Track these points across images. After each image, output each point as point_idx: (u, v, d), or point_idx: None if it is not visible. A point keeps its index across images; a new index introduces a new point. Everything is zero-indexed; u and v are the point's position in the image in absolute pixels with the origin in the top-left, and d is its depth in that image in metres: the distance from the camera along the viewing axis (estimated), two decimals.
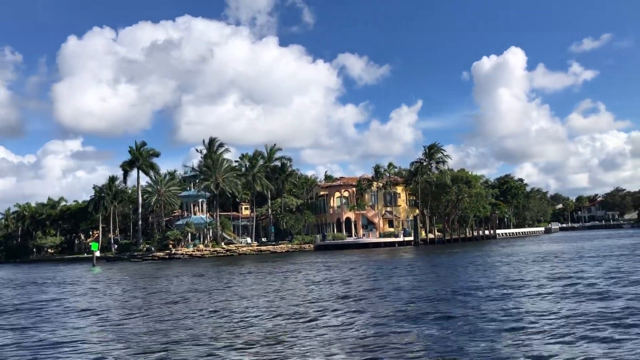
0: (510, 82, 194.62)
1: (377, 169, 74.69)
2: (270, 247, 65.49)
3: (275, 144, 76.71)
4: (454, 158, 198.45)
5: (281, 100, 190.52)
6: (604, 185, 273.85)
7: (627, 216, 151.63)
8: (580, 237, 77.69)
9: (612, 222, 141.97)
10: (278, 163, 75.37)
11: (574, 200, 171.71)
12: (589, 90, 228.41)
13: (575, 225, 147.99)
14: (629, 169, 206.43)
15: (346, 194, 77.82)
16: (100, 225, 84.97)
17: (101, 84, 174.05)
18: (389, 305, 16.00)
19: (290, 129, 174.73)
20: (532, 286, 18.55)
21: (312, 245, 67.12)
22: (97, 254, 63.08)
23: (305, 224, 74.76)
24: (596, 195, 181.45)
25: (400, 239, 67.93)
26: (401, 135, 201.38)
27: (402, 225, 78.38)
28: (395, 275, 25.32)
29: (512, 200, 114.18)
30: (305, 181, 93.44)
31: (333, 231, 73.84)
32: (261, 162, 74.29)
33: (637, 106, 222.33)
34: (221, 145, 72.87)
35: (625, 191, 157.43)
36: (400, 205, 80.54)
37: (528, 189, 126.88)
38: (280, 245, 66.33)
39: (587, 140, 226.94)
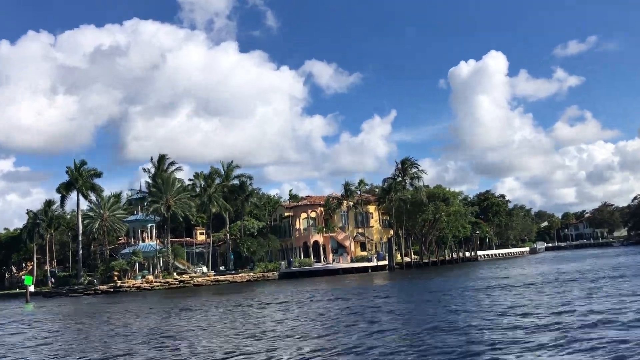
0: (490, 89, 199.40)
1: (347, 186, 75.08)
2: (229, 277, 64.75)
3: (232, 161, 76.46)
4: (431, 173, 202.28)
5: (241, 111, 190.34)
6: (593, 200, 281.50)
7: (616, 233, 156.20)
8: (569, 257, 79.43)
9: (601, 241, 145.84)
10: (237, 182, 74.99)
11: (560, 218, 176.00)
12: (575, 97, 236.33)
13: (562, 244, 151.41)
14: (617, 182, 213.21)
15: (313, 214, 77.81)
16: (35, 256, 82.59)
17: (37, 95, 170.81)
18: None
19: (251, 143, 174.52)
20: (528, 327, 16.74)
21: (276, 273, 66.68)
22: (32, 288, 61.06)
23: (269, 250, 74.32)
24: (583, 211, 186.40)
25: (374, 263, 68.17)
26: (373, 149, 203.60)
27: (376, 248, 78.68)
28: (364, 313, 22.54)
29: (493, 219, 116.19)
30: (268, 201, 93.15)
31: (300, 256, 73.57)
32: (218, 181, 73.76)
33: (624, 114, 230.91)
34: (172, 163, 72.20)
35: (613, 206, 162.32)
36: (373, 226, 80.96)
37: (511, 205, 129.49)
38: (240, 275, 65.65)
39: (574, 152, 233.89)
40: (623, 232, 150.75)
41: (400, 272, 63.73)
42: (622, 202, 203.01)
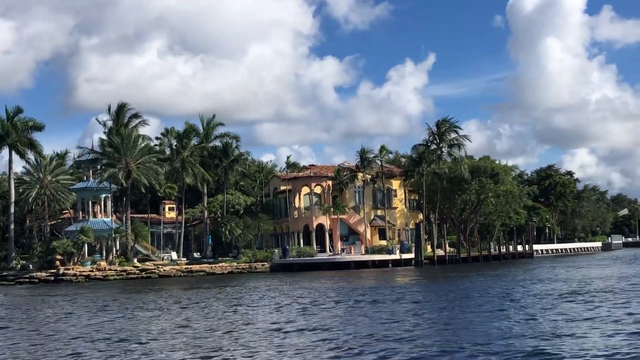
0: (563, 31, 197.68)
1: (363, 154, 75.11)
2: (205, 267, 65.28)
3: (214, 116, 76.43)
4: (477, 140, 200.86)
5: (229, 49, 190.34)
6: None
7: None
8: None
9: None
10: (219, 143, 75.15)
11: None
12: None
13: None
14: None
15: (318, 189, 78.05)
16: None
17: None
18: None
19: (240, 93, 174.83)
20: None
21: (267, 264, 67.24)
22: None
23: (259, 234, 74.66)
24: None
25: (396, 256, 68.53)
26: (403, 105, 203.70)
27: (399, 237, 78.99)
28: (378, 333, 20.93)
29: (556, 203, 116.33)
30: (259, 170, 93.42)
31: (299, 244, 74.04)
32: (195, 141, 73.93)
33: None
34: (136, 115, 72.30)
35: None
36: (396, 208, 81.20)
37: (580, 186, 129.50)
38: (220, 264, 66.22)
39: None
40: None
41: (431, 268, 64.18)
42: None
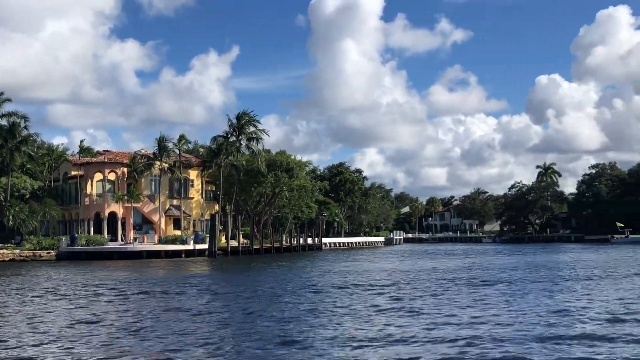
0: (359, 34, 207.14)
1: (162, 142, 74.42)
2: None
3: (2, 93, 71.97)
4: (276, 135, 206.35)
5: (24, 23, 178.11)
6: (465, 184, 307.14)
7: (487, 227, 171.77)
8: (429, 252, 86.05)
9: (469, 234, 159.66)
10: (5, 122, 70.97)
11: (424, 203, 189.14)
12: (459, 55, 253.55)
13: (424, 236, 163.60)
14: (496, 165, 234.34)
15: (113, 176, 76.27)
16: None
17: None
18: None
19: (32, 70, 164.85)
20: None
21: (53, 252, 64.63)
22: None
23: (45, 220, 71.60)
24: (452, 197, 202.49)
25: (190, 246, 68.63)
26: (205, 95, 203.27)
27: (194, 227, 79.19)
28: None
29: (345, 199, 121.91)
30: (49, 153, 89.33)
31: (89, 232, 72.01)
32: None
33: (513, 82, 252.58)
34: None
35: (487, 194, 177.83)
36: (193, 198, 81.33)
37: (367, 183, 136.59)
38: (1, 251, 62.65)
39: (449, 123, 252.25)
40: (495, 225, 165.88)
41: (224, 259, 64.97)
42: (500, 189, 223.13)
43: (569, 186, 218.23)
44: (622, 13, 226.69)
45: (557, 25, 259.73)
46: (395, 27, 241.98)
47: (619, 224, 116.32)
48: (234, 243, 74.85)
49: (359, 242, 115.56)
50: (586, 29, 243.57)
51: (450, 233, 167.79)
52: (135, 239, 72.31)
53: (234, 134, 79.20)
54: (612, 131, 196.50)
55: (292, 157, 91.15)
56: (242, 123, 79.19)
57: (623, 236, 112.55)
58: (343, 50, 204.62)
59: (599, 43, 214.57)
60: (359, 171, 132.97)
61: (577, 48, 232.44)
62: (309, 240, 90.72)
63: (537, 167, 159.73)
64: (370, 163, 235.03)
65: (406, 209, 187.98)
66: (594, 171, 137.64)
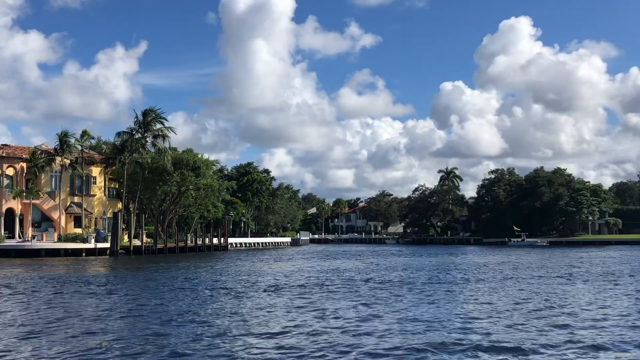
0: (270, 35, 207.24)
1: (63, 137, 72.61)
2: None
3: None
4: (183, 133, 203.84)
5: None
6: (372, 187, 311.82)
7: (391, 228, 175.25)
8: (334, 253, 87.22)
9: (373, 236, 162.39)
10: None
11: (331, 204, 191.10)
12: (368, 60, 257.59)
13: (330, 237, 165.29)
14: (401, 168, 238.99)
15: (11, 171, 73.76)
16: None
17: None
18: None
19: None
20: None
21: None
22: None
23: None
24: (358, 199, 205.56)
25: (91, 245, 67.34)
26: (111, 90, 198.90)
27: (96, 225, 77.64)
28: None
29: (253, 199, 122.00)
30: None
31: None
32: None
33: (420, 87, 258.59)
34: None
35: (392, 197, 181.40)
36: (95, 195, 79.65)
37: (275, 184, 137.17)
38: None
39: (357, 126, 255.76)
40: (399, 227, 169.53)
41: (126, 259, 63.99)
42: (404, 192, 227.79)
43: (469, 190, 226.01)
44: (524, 24, 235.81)
45: (462, 33, 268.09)
46: (306, 29, 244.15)
47: (516, 228, 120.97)
48: (137, 242, 73.85)
49: (266, 243, 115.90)
50: (489, 38, 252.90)
51: (356, 234, 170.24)
52: (33, 237, 70.17)
53: (140, 130, 78.06)
54: (511, 138, 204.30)
55: (200, 155, 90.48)
56: (149, 120, 78.15)
57: (519, 239, 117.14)
58: (254, 49, 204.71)
59: (501, 52, 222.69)
60: (267, 171, 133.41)
61: (480, 56, 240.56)
62: (215, 240, 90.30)
63: (440, 171, 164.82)
64: (279, 163, 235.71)
65: (313, 210, 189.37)
66: (493, 176, 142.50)
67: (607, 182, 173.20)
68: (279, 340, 17.82)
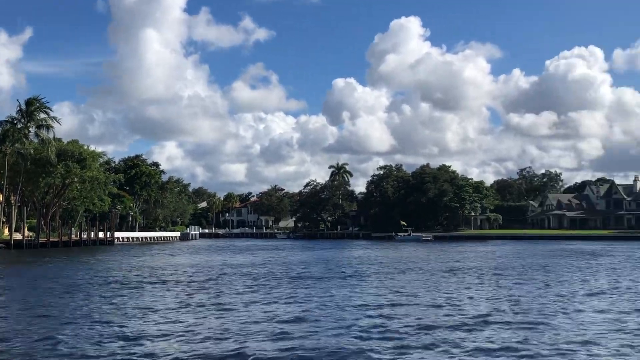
0: (162, 25, 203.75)
1: None
2: None
3: None
4: (69, 123, 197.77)
5: None
6: (264, 181, 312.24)
7: (282, 223, 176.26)
8: (224, 248, 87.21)
9: (264, 230, 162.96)
10: None
11: (222, 199, 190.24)
12: (262, 54, 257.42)
13: (221, 231, 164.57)
14: (294, 163, 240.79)
15: None
16: None
17: None
18: None
19: None
20: None
21: None
22: None
23: None
24: (249, 194, 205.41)
25: None
26: None
27: None
28: None
29: (141, 192, 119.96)
30: None
31: None
32: None
33: (313, 83, 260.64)
34: None
35: (284, 191, 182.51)
36: None
37: (165, 177, 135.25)
38: None
39: (250, 120, 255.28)
40: (290, 222, 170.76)
41: (5, 253, 61.85)
42: (296, 187, 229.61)
43: (359, 186, 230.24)
44: (414, 24, 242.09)
45: (355, 31, 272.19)
46: (199, 20, 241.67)
47: (402, 223, 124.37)
48: (18, 236, 71.43)
49: (154, 237, 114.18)
50: (381, 36, 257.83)
51: (247, 229, 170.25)
52: None
53: (22, 120, 75.37)
54: (400, 135, 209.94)
55: (86, 147, 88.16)
56: (32, 109, 75.57)
57: (406, 234, 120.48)
58: (145, 39, 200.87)
59: (392, 51, 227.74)
60: (156, 164, 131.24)
61: (372, 54, 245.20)
62: (101, 235, 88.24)
63: (331, 166, 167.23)
64: (169, 156, 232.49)
65: (204, 204, 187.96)
66: (382, 172, 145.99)
67: (489, 179, 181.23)
68: (166, 338, 17.98)
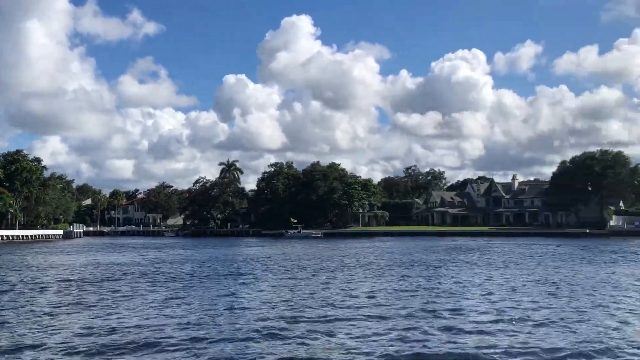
0: (46, 16, 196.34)
1: None
2: None
3: None
4: None
5: None
6: (152, 178, 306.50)
7: (171, 220, 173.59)
8: (109, 246, 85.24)
9: (152, 228, 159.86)
10: None
11: (107, 196, 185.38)
12: (151, 48, 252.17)
13: (106, 229, 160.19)
14: (183, 159, 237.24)
15: None
16: None
17: None
18: None
19: None
20: None
21: None
22: None
23: None
24: (136, 191, 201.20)
25: None
26: None
27: None
28: None
29: (22, 189, 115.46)
30: None
31: None
32: None
33: (205, 79, 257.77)
34: None
35: (172, 188, 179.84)
36: None
37: (47, 173, 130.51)
38: None
39: (138, 115, 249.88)
40: (179, 219, 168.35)
41: None
42: (185, 184, 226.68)
43: (250, 183, 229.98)
44: (305, 22, 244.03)
45: (246, 26, 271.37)
46: (85, 12, 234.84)
47: (292, 220, 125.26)
48: None
49: (35, 235, 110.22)
50: (272, 34, 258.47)
51: (134, 226, 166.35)
52: None
53: None
54: (291, 132, 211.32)
55: None
56: None
57: (296, 231, 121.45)
58: (26, 30, 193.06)
59: (283, 49, 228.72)
60: (37, 160, 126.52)
61: (263, 51, 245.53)
62: None
63: (221, 163, 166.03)
64: (53, 152, 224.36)
65: (88, 202, 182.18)
66: (272, 169, 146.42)
67: (377, 177, 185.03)
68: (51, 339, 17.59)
